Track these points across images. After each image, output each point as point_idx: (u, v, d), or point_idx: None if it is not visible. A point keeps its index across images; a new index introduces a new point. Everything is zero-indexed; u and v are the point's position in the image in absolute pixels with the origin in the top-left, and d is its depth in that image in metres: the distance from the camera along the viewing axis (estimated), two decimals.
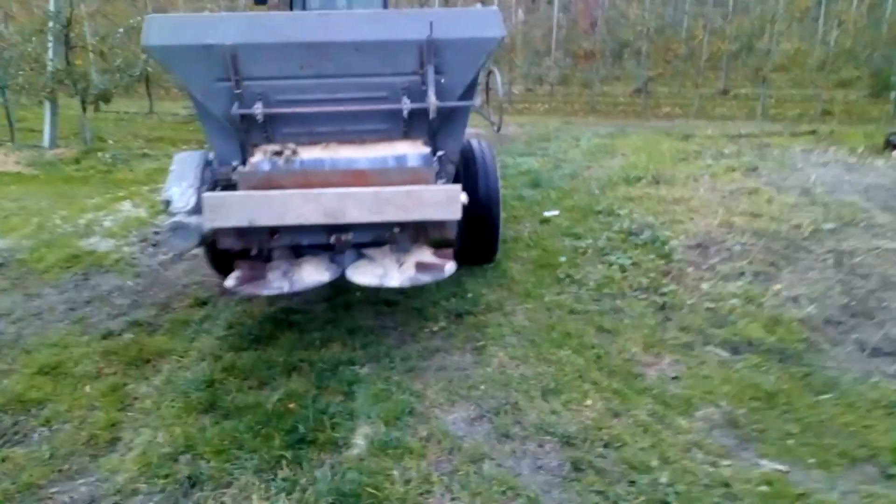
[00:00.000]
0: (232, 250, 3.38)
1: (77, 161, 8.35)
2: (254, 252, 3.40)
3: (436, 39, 3.26)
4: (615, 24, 15.93)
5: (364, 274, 3.43)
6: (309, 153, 3.52)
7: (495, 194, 4.20)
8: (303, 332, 3.64)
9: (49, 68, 8.31)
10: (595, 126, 12.08)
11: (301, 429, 2.66)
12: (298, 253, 3.53)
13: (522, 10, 21.72)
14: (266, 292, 3.37)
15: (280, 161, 3.45)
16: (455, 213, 3.15)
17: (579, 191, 6.60)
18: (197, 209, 3.13)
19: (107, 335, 3.67)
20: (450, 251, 3.62)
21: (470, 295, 4.09)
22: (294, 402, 2.89)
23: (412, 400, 2.91)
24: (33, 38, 8.33)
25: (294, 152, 3.51)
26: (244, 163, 3.49)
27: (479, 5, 3.75)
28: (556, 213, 5.93)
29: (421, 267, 3.48)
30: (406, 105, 3.34)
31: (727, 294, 3.97)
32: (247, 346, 3.49)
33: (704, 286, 4.13)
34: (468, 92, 3.52)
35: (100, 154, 8.59)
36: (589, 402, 2.89)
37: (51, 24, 8.25)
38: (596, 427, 2.69)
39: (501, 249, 4.77)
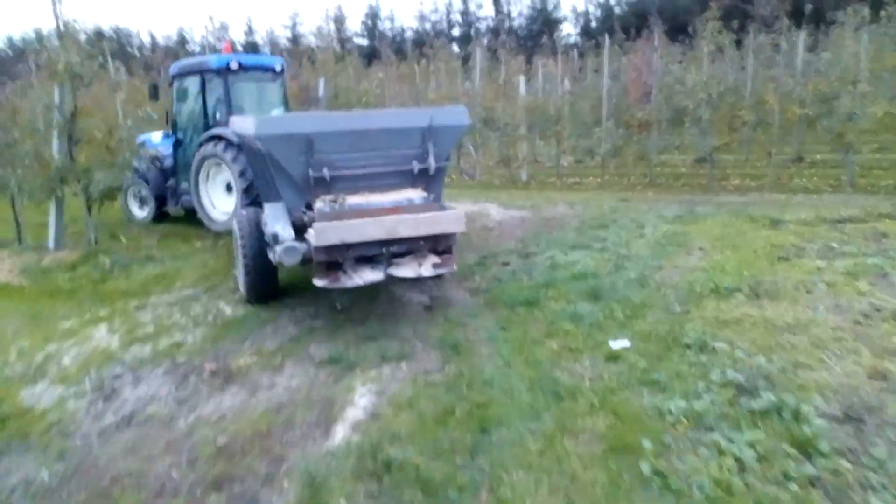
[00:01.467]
0: (323, 262, 4.81)
1: (73, 267, 7.49)
2: (337, 260, 4.85)
3: (433, 126, 5.22)
4: (671, 92, 14.72)
5: (402, 271, 5.03)
6: (351, 199, 5.20)
7: None
8: None
9: (55, 165, 7.59)
10: (656, 203, 10.67)
11: None
12: (359, 262, 4.98)
13: (568, 79, 20.88)
14: (347, 285, 4.88)
15: (336, 205, 5.14)
16: (461, 227, 5.07)
17: (653, 306, 5.18)
18: (294, 238, 4.95)
19: None
20: (452, 255, 5.25)
21: None
22: None
23: None
24: (35, 134, 7.69)
25: (343, 199, 5.19)
26: (309, 208, 5.14)
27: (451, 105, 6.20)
28: (626, 343, 4.51)
29: (436, 265, 5.12)
30: (415, 166, 5.30)
31: None
32: None
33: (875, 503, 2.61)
34: (448, 158, 5.58)
35: (101, 256, 7.73)
36: None
37: (56, 117, 7.57)
38: None
39: (553, 415, 3.40)
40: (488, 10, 57.24)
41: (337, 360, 4.55)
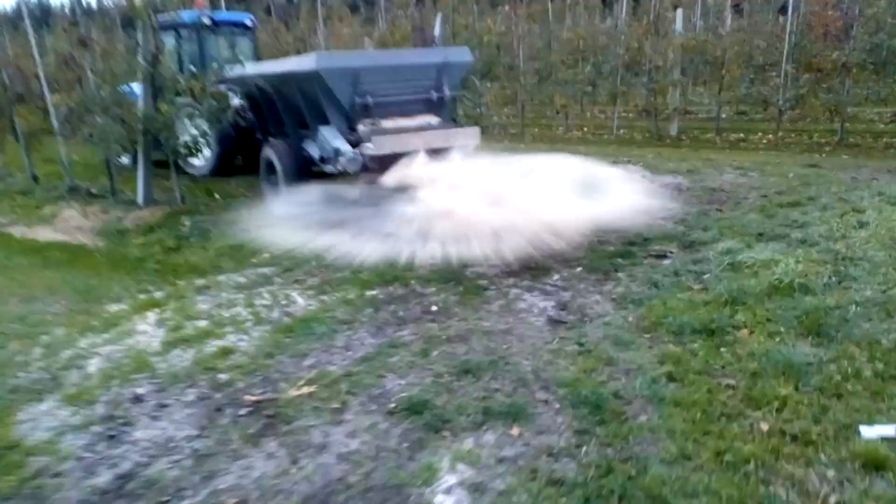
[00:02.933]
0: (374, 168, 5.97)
1: (151, 230, 6.69)
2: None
3: (446, 62, 6.65)
4: (876, 27, 11.50)
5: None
6: (385, 122, 6.31)
7: None
8: None
9: (138, 114, 6.73)
10: (859, 171, 8.13)
11: None
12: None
13: (730, 13, 17.59)
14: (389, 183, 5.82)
15: (374, 126, 6.21)
16: (477, 140, 6.65)
17: None
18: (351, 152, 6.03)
19: None
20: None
21: None
22: None
23: None
24: (114, 79, 6.84)
25: (379, 122, 6.28)
26: (352, 130, 6.23)
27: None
28: (890, 432, 2.68)
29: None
30: (433, 95, 6.61)
31: None
32: None
33: None
34: (457, 89, 7.14)
35: (184, 218, 6.86)
36: None
37: (140, 60, 6.65)
38: None
39: None
40: None
41: (419, 411, 3.13)
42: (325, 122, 6.27)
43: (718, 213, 6.52)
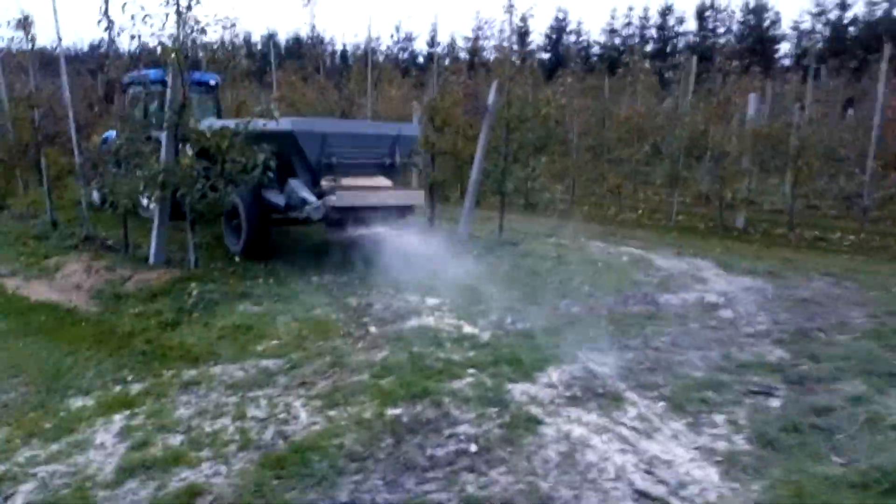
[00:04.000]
0: (333, 220, 7.08)
1: (152, 297, 5.86)
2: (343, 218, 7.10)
3: (399, 135, 7.78)
4: None
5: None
6: (344, 180, 6.96)
7: None
8: None
9: (157, 166, 6.05)
10: None
11: None
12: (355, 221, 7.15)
13: (808, 105, 16.65)
14: (350, 234, 7.29)
15: (335, 183, 6.87)
16: (420, 201, 8.18)
17: None
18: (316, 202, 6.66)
19: None
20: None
21: None
22: None
23: None
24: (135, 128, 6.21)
25: (339, 179, 6.94)
26: (316, 184, 6.89)
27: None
28: None
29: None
30: (387, 161, 7.64)
31: None
32: None
33: None
34: (408, 156, 8.26)
35: (192, 285, 6.03)
36: None
37: (167, 111, 6.02)
38: None
39: None
40: (690, 25, 51.52)
41: None
42: (293, 175, 7.01)
43: (820, 334, 5.36)
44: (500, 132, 9.56)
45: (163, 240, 6.95)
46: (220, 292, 5.99)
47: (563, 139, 14.28)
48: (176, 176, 6.09)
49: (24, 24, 7.94)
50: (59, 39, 7.68)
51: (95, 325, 5.18)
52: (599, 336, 5.27)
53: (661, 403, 4.05)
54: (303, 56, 22.21)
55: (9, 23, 8.02)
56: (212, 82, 9.99)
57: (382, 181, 7.45)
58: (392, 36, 58.26)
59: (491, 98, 9.35)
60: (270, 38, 47.37)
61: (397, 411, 3.80)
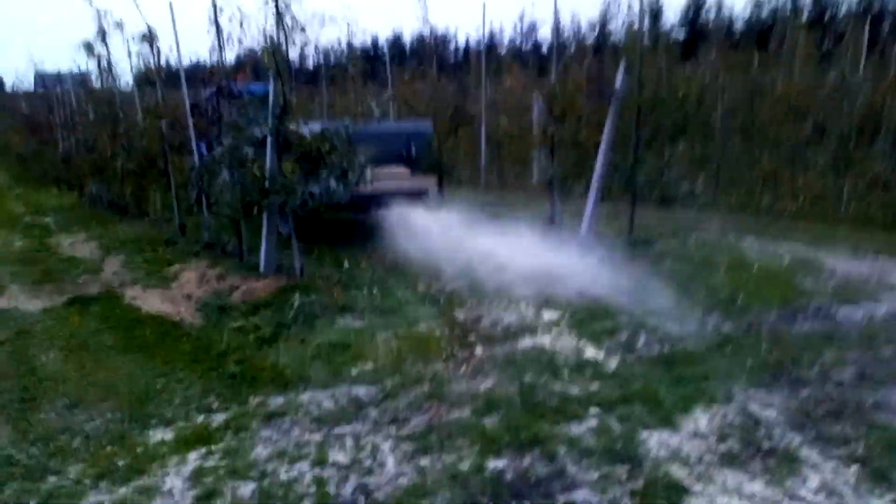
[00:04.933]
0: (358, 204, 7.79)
1: (254, 309, 5.63)
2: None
3: (413, 132, 9.08)
4: None
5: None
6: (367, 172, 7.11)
7: None
8: None
9: (260, 174, 5.86)
10: None
11: None
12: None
13: None
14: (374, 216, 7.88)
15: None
16: (433, 186, 8.84)
17: None
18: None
19: None
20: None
21: None
22: None
23: None
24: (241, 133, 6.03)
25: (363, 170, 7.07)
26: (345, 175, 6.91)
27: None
28: None
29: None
30: (404, 153, 8.76)
31: None
32: None
33: None
34: (422, 150, 9.00)
35: (295, 296, 5.74)
36: None
37: (269, 119, 5.79)
38: None
39: None
40: None
41: None
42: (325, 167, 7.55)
43: None
44: (629, 119, 8.49)
45: (273, 248, 6.78)
46: (322, 304, 5.63)
47: (705, 122, 12.71)
48: (277, 183, 5.83)
49: (150, 37, 8.23)
50: (179, 51, 7.84)
51: (195, 341, 5.01)
52: (761, 365, 4.21)
53: (854, 467, 3.01)
54: (423, 54, 22.09)
55: (133, 37, 8.38)
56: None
57: (400, 170, 8.64)
58: (515, 26, 57.23)
59: (619, 81, 8.31)
60: (396, 38, 48.36)
61: (500, 464, 3.12)
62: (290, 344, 4.89)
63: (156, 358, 4.76)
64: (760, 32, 26.42)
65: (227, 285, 6.48)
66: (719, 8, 44.88)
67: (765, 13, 47.48)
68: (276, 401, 3.93)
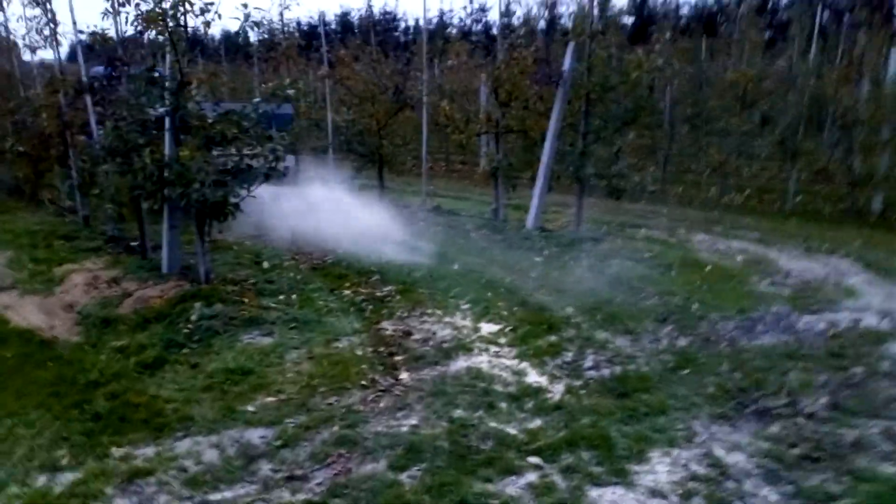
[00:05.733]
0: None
1: (144, 323, 4.77)
2: None
3: (275, 113, 5.87)
4: None
5: None
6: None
7: None
8: None
9: (149, 159, 4.96)
10: None
11: None
12: None
13: None
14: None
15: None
16: (291, 164, 8.66)
17: None
18: None
19: None
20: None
21: None
22: None
23: None
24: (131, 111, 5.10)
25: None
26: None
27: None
28: None
29: None
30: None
31: None
32: None
33: None
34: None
35: (196, 306, 4.91)
36: None
37: (163, 94, 4.89)
38: None
39: None
40: None
41: None
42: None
43: None
44: (577, 105, 7.92)
45: (176, 245, 5.92)
46: (227, 316, 4.82)
47: (653, 110, 12.34)
48: (174, 171, 4.96)
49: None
50: (77, 29, 6.78)
51: (62, 367, 4.13)
52: (724, 392, 3.70)
53: None
54: (366, 33, 21.02)
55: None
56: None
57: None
58: (465, 8, 56.11)
59: (567, 63, 7.72)
60: (344, 15, 46.63)
61: None
62: (178, 370, 4.09)
63: (7, 390, 3.89)
64: (707, 20, 26.44)
65: (120, 291, 5.58)
66: None
67: (711, 0, 48.17)
68: (145, 452, 3.16)
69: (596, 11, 8.14)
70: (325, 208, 8.10)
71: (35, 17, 7.95)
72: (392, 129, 10.40)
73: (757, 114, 11.89)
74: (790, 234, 8.31)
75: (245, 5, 4.87)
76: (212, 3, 4.86)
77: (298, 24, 17.61)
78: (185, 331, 4.60)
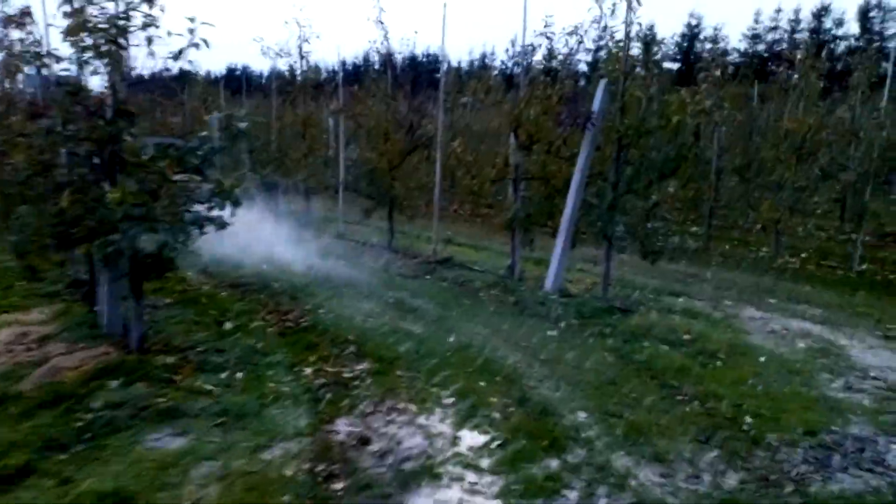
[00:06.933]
0: None
1: (34, 409, 3.78)
2: None
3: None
4: None
5: None
6: None
7: None
8: None
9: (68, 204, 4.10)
10: None
11: None
12: None
13: None
14: None
15: None
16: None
17: None
18: None
19: None
20: None
21: None
22: None
23: None
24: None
25: None
26: None
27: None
28: None
29: None
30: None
31: None
32: None
33: None
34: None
35: (110, 385, 3.92)
36: None
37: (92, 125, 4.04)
38: None
39: None
40: (851, 28, 44.59)
41: None
42: None
43: None
44: (608, 151, 6.84)
45: (117, 302, 4.98)
46: (140, 403, 3.81)
47: (697, 159, 11.11)
48: (96, 217, 4.04)
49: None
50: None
51: None
52: None
53: None
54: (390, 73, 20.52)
55: None
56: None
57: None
58: (507, 50, 56.03)
59: (597, 102, 6.68)
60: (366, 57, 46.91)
61: None
62: (43, 487, 3.06)
63: None
64: (758, 66, 25.17)
65: (40, 355, 4.64)
66: (715, 41, 43.97)
67: (761, 47, 46.80)
68: None
69: (636, 49, 7.05)
70: (315, 258, 7.14)
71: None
72: (405, 170, 9.47)
73: (816, 167, 10.55)
74: (860, 313, 6.95)
75: (192, 19, 3.96)
76: (154, 17, 4.00)
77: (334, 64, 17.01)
78: (80, 423, 3.59)
